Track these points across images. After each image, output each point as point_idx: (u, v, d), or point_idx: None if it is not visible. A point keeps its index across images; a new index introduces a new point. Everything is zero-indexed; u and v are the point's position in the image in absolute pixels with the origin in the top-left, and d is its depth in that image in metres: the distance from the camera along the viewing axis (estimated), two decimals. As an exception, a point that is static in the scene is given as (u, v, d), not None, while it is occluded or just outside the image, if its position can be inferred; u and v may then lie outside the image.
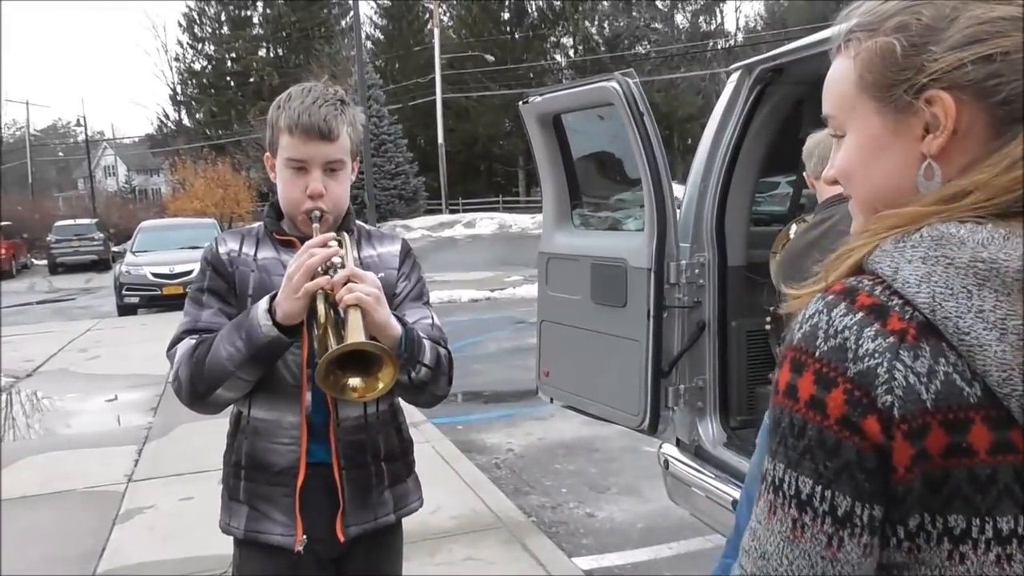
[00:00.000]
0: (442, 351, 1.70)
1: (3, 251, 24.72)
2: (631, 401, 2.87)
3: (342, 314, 1.48)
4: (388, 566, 1.84)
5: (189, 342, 1.65)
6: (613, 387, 2.97)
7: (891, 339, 0.67)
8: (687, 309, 2.88)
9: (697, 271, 2.88)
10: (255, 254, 1.72)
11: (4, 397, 7.64)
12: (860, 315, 0.69)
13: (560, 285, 3.27)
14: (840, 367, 0.68)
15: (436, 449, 5.28)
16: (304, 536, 1.65)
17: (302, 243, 1.66)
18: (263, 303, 1.56)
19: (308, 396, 1.64)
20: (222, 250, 1.73)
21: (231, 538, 1.76)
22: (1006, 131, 0.71)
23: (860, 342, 0.68)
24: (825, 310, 0.71)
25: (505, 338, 9.74)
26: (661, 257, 2.77)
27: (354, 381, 1.45)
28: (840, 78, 0.79)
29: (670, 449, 3.08)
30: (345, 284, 1.49)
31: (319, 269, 1.53)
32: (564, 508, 4.47)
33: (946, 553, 0.68)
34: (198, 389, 1.61)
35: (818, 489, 0.69)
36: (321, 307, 1.51)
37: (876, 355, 0.67)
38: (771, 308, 2.57)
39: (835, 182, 0.83)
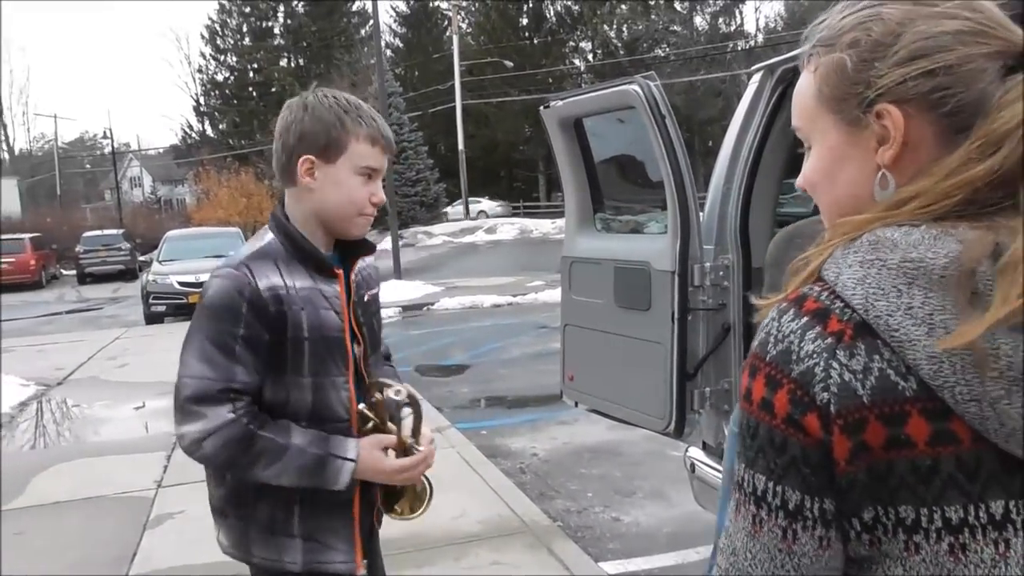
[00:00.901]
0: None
1: (33, 262, 25.10)
2: (656, 404, 2.86)
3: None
4: (379, 557, 1.96)
5: (225, 419, 1.52)
6: (638, 391, 2.97)
7: (829, 340, 0.71)
8: (711, 311, 2.87)
9: (721, 273, 2.87)
10: (296, 285, 1.61)
11: (35, 405, 7.76)
12: (804, 319, 0.73)
13: (583, 289, 3.27)
14: (785, 369, 0.73)
15: (461, 454, 5.30)
16: (365, 560, 1.74)
17: (340, 270, 1.70)
18: (346, 476, 1.59)
19: (355, 428, 1.69)
20: (263, 285, 1.56)
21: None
22: (955, 141, 0.74)
23: (802, 344, 0.72)
24: (777, 317, 0.76)
25: (528, 343, 9.74)
26: (685, 259, 2.76)
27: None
28: (804, 91, 0.83)
29: (696, 453, 3.07)
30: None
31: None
32: (590, 513, 4.47)
33: (903, 544, 0.70)
34: (227, 470, 1.61)
35: (770, 485, 0.73)
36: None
37: (815, 355, 0.71)
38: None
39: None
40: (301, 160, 1.63)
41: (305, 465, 1.56)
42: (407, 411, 1.73)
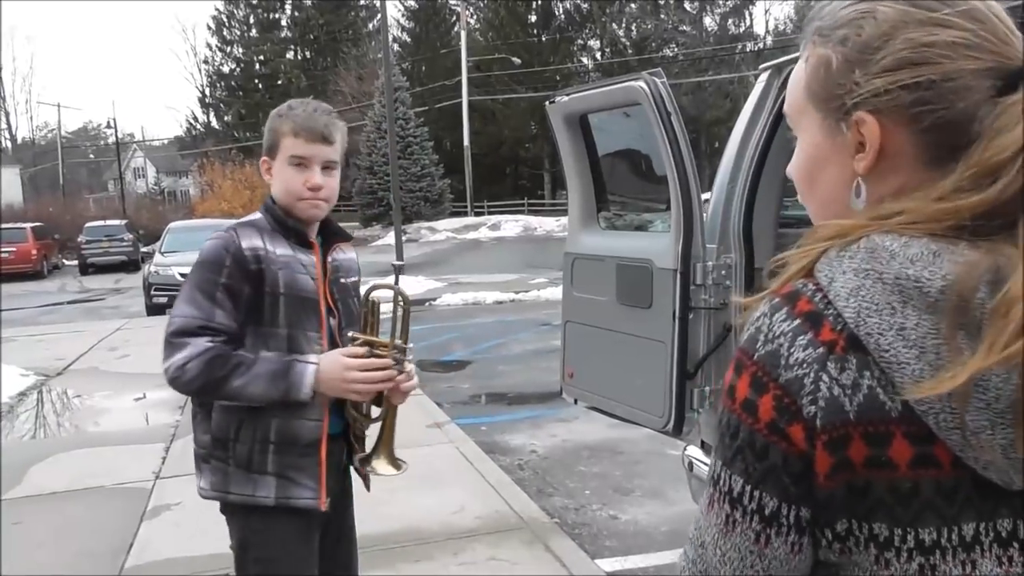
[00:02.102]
0: None
1: (35, 251, 25.12)
2: (656, 403, 2.86)
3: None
4: (350, 512, 2.16)
5: (205, 346, 1.77)
6: (638, 388, 2.96)
7: (821, 350, 0.68)
8: (713, 310, 2.86)
9: (724, 272, 2.86)
10: (276, 251, 1.87)
11: (35, 395, 7.77)
12: (797, 322, 0.70)
13: (585, 286, 3.26)
14: (773, 372, 0.70)
15: (460, 450, 5.29)
16: (328, 498, 1.90)
17: (319, 245, 1.97)
18: (310, 377, 1.79)
19: None
20: (246, 245, 1.84)
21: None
22: (942, 158, 0.70)
23: (792, 350, 0.69)
24: (769, 313, 0.72)
25: (529, 340, 9.73)
26: (687, 258, 2.75)
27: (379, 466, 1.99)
28: (796, 80, 0.80)
29: (695, 451, 3.06)
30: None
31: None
32: (588, 510, 4.46)
33: (873, 557, 0.69)
34: (205, 395, 1.84)
35: (747, 488, 0.72)
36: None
37: (804, 365, 0.68)
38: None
39: None
40: (262, 161, 1.97)
41: (273, 370, 1.78)
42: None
